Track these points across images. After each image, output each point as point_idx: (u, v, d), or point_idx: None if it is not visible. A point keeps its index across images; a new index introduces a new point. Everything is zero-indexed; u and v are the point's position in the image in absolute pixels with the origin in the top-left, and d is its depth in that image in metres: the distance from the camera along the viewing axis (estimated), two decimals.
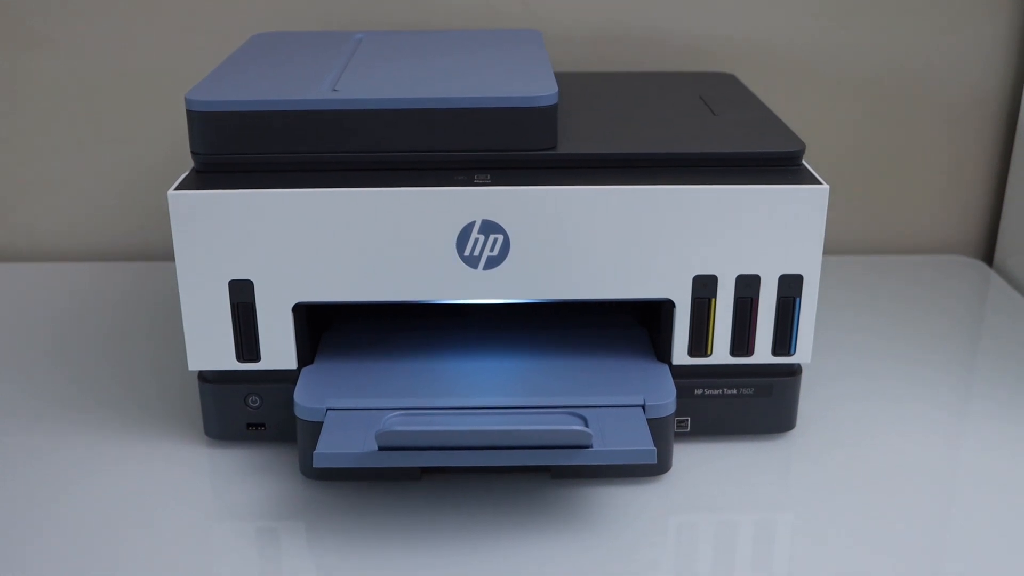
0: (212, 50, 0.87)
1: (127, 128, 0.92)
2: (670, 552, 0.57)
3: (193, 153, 0.60)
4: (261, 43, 0.74)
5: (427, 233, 0.59)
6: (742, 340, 0.62)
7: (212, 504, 0.61)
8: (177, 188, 0.59)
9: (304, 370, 0.63)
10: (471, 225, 0.59)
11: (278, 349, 0.61)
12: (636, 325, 0.69)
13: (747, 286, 0.61)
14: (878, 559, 0.56)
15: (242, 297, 0.60)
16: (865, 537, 0.57)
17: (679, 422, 0.64)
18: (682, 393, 0.62)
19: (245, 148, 0.60)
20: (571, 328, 0.68)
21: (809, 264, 0.61)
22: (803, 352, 0.63)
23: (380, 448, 0.54)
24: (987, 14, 0.90)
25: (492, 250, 0.59)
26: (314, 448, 0.56)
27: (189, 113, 0.59)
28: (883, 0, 0.89)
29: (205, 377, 0.63)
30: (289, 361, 0.62)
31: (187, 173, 0.61)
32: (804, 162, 0.62)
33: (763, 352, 0.62)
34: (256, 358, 0.62)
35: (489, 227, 0.59)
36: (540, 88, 0.60)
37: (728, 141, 0.63)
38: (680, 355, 0.62)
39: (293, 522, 0.59)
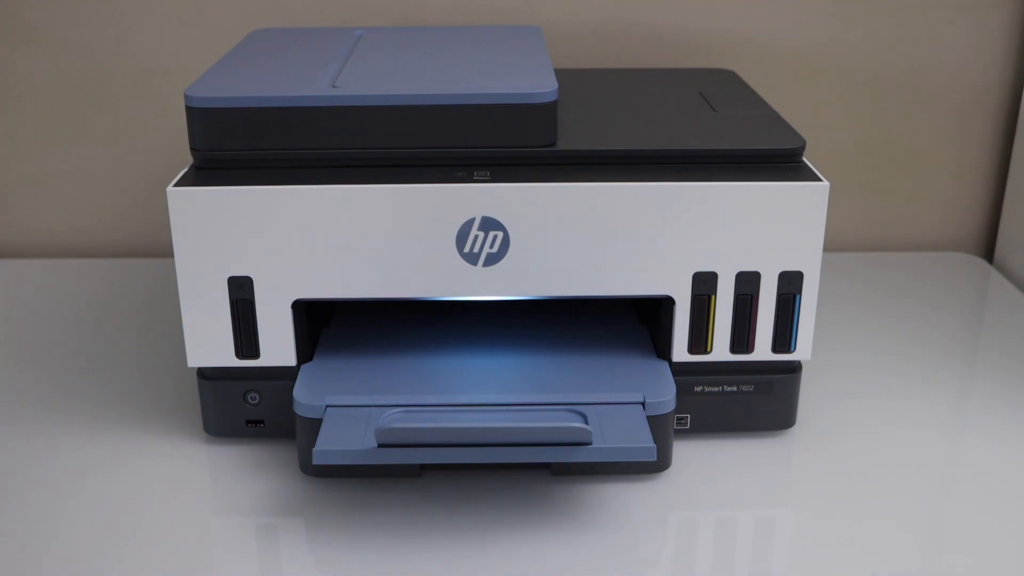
0: (211, 46, 0.87)
1: (126, 124, 0.92)
2: (670, 549, 0.57)
3: (192, 149, 0.60)
4: (260, 39, 0.74)
5: (427, 229, 0.59)
6: (742, 337, 0.62)
7: (211, 501, 0.61)
8: (176, 184, 0.59)
9: (303, 367, 0.63)
10: (471, 222, 0.59)
11: (277, 346, 0.61)
12: (636, 322, 0.69)
13: (747, 283, 0.61)
14: (877, 555, 0.56)
15: (241, 294, 0.60)
16: (864, 534, 0.57)
17: (679, 419, 0.64)
18: (682, 390, 0.62)
19: (244, 144, 0.60)
20: (571, 325, 0.68)
21: (809, 261, 0.60)
22: (803, 349, 0.63)
23: (379, 445, 0.54)
24: (988, 10, 0.90)
25: (492, 247, 0.59)
26: (313, 445, 0.56)
27: (188, 109, 0.59)
28: None
29: (204, 374, 0.63)
30: (288, 358, 0.62)
31: (186, 169, 0.61)
32: (804, 159, 0.62)
33: (763, 349, 0.62)
34: (255, 355, 0.61)
35: (489, 224, 0.59)
36: (540, 84, 0.60)
37: (728, 138, 0.63)
38: (680, 352, 0.62)
39: (292, 519, 0.59)
